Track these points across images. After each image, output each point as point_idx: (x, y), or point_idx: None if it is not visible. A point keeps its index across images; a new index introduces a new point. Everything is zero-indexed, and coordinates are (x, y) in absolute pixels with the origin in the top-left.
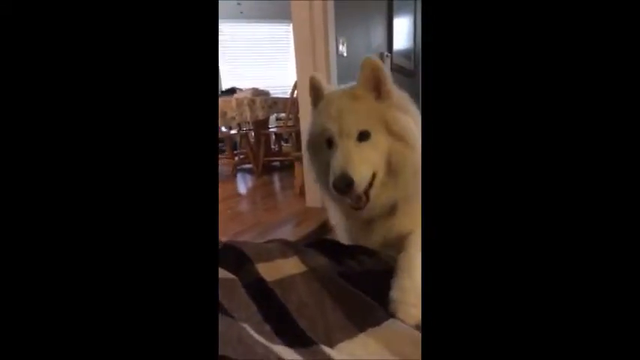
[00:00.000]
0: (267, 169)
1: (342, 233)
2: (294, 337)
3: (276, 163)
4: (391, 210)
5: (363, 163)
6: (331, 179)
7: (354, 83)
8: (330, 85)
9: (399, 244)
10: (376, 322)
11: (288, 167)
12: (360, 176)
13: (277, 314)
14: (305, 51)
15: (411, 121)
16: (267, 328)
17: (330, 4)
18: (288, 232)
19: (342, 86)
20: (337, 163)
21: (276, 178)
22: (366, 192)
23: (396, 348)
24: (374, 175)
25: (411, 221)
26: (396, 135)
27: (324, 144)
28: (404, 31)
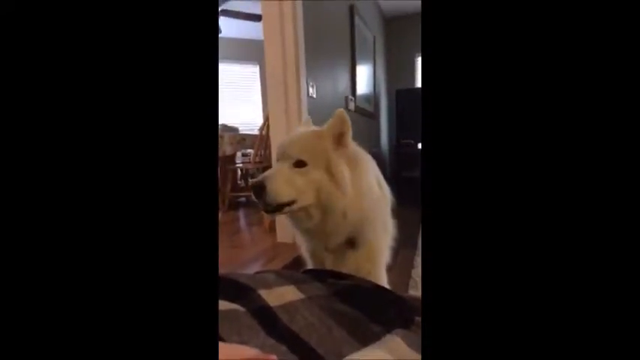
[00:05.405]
0: (233, 205)
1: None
2: (307, 355)
3: (243, 199)
4: (350, 244)
5: (283, 182)
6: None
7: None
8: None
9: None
10: (377, 338)
11: (254, 203)
12: (274, 187)
13: (287, 336)
14: (278, 91)
15: (348, 173)
16: (283, 348)
17: (302, 50)
18: (260, 269)
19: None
20: (262, 174)
21: (242, 214)
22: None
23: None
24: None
25: (368, 259)
26: (332, 176)
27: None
28: (365, 77)
